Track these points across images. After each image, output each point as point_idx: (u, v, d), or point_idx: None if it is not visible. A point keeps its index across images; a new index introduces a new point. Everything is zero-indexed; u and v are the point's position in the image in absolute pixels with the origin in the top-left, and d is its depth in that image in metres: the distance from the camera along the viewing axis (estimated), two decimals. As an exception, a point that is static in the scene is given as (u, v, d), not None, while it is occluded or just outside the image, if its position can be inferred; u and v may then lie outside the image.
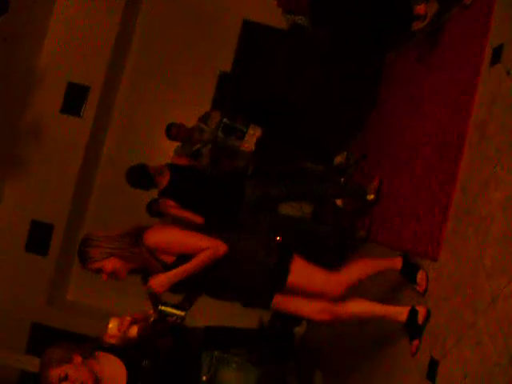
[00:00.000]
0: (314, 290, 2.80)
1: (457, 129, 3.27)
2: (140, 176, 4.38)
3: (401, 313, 2.90)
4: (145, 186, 4.41)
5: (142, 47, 6.30)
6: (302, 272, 2.77)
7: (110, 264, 2.55)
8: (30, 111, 5.53)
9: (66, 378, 2.17)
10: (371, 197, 4.38)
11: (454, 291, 2.75)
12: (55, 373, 2.17)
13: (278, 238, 2.88)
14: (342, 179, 5.47)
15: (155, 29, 6.32)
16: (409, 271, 3.14)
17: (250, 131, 5.18)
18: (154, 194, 4.49)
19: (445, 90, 3.63)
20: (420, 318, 2.83)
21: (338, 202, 5.31)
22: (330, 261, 5.08)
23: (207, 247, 2.58)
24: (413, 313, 2.85)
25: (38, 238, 5.49)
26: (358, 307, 2.94)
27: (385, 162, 4.53)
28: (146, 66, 6.25)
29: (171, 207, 4.35)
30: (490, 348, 2.28)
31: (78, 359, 2.23)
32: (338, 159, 5.53)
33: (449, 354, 2.48)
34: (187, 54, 6.22)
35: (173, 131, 5.21)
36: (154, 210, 5.16)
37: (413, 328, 2.86)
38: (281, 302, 2.81)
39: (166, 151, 5.70)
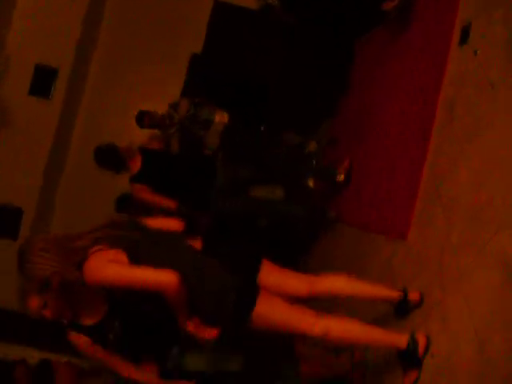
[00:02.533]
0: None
1: (426, 109, 3.30)
2: (109, 156, 4.30)
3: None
4: (114, 167, 4.33)
5: (111, 28, 6.17)
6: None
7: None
8: (-2, 93, 5.42)
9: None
10: (341, 177, 4.41)
11: (422, 269, 2.79)
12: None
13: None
14: (314, 162, 5.49)
15: (125, 10, 6.19)
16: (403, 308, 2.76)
17: (217, 118, 5.14)
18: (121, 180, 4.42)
19: (414, 71, 3.65)
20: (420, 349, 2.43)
21: (310, 182, 5.34)
22: (302, 242, 5.16)
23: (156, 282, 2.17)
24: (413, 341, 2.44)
25: (7, 221, 5.42)
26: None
27: (355, 143, 4.55)
28: (116, 48, 6.13)
29: (144, 191, 4.31)
30: (456, 325, 2.33)
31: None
32: (309, 148, 5.56)
33: (417, 332, 2.51)
34: (158, 36, 6.12)
35: (140, 122, 5.14)
36: (123, 206, 5.14)
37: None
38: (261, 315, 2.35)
39: (137, 134, 5.64)
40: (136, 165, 4.30)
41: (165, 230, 2.54)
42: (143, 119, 5.11)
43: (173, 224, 2.62)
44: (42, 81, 5.50)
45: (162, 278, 2.14)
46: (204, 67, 6.01)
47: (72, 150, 6.07)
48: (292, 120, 5.88)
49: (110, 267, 2.16)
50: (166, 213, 4.57)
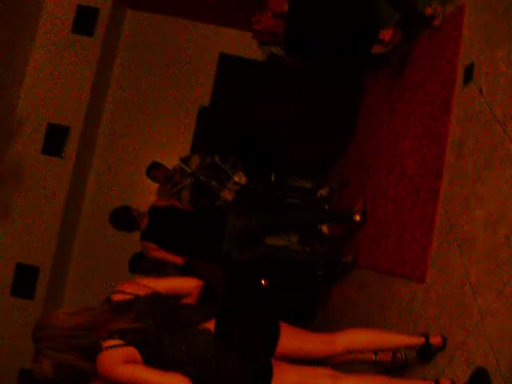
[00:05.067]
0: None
1: (435, 148, 3.30)
2: (123, 218, 4.34)
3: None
4: (128, 228, 4.37)
5: (120, 86, 6.34)
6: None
7: None
8: (11, 153, 5.51)
9: None
10: (357, 218, 4.39)
11: (442, 311, 2.74)
12: None
13: (263, 282, 2.75)
14: (326, 206, 5.49)
15: (134, 67, 6.37)
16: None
17: (236, 178, 5.20)
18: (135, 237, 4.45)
19: (421, 112, 3.67)
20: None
21: (324, 229, 5.32)
22: (319, 289, 5.11)
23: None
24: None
25: (24, 281, 5.42)
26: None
27: (367, 185, 4.55)
28: (126, 104, 6.28)
29: (152, 250, 4.30)
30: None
31: None
32: (321, 192, 5.56)
33: (442, 376, 2.44)
34: (166, 91, 6.27)
35: (151, 174, 5.21)
36: (136, 267, 5.16)
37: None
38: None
39: (148, 189, 5.70)
40: (144, 222, 4.32)
41: (177, 293, 2.53)
42: (149, 173, 5.16)
43: (188, 284, 2.58)
44: (54, 140, 5.60)
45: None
46: (212, 119, 6.09)
47: (85, 206, 6.13)
48: (302, 165, 5.92)
49: (123, 369, 2.16)
50: (181, 269, 4.57)
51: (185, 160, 5.29)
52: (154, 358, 2.23)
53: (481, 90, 2.79)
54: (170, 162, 5.35)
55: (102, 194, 6.02)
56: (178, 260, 4.32)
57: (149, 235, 4.28)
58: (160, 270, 5.15)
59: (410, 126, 3.83)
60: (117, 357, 2.17)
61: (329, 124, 5.53)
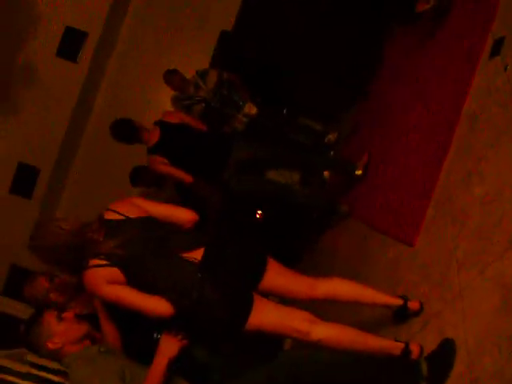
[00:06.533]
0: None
1: (449, 115, 3.27)
2: (124, 128, 4.36)
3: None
4: (127, 139, 4.39)
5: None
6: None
7: None
8: (26, 51, 5.44)
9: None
10: (359, 172, 4.40)
11: (424, 278, 2.80)
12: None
13: (260, 213, 2.78)
14: (332, 152, 5.48)
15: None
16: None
17: (246, 109, 5.15)
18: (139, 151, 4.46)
19: (442, 76, 3.61)
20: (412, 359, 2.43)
21: (326, 174, 5.34)
22: (310, 232, 5.18)
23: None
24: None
25: (24, 180, 5.49)
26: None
27: (375, 139, 4.53)
28: (148, 18, 6.12)
29: (161, 164, 4.34)
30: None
31: None
32: (330, 137, 5.52)
33: (412, 340, 2.53)
34: (190, 9, 6.11)
35: (167, 77, 5.15)
36: (137, 179, 5.19)
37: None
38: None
39: (160, 104, 5.65)
40: (154, 136, 4.33)
41: (171, 221, 2.52)
42: (167, 75, 5.10)
43: (183, 215, 2.58)
44: (71, 43, 5.52)
45: (157, 310, 2.25)
46: (233, 45, 5.97)
47: (94, 115, 6.12)
48: (316, 105, 5.86)
49: (107, 289, 2.26)
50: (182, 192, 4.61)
51: (201, 74, 5.21)
52: (138, 282, 2.30)
53: (506, 67, 2.73)
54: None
55: (111, 105, 5.98)
56: (184, 177, 4.37)
57: (160, 149, 4.31)
58: (160, 192, 5.21)
59: (428, 88, 3.78)
60: (101, 276, 2.26)
61: (349, 68, 5.45)
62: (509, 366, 1.90)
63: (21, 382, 2.45)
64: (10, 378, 2.44)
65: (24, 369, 2.48)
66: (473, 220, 2.56)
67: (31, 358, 2.51)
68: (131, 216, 2.41)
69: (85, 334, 2.44)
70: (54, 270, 2.51)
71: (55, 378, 2.48)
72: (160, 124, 4.42)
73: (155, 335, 2.34)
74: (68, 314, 2.45)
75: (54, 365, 2.46)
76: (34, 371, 2.48)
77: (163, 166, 4.34)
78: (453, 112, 3.21)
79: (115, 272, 2.26)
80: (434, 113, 3.52)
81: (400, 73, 4.57)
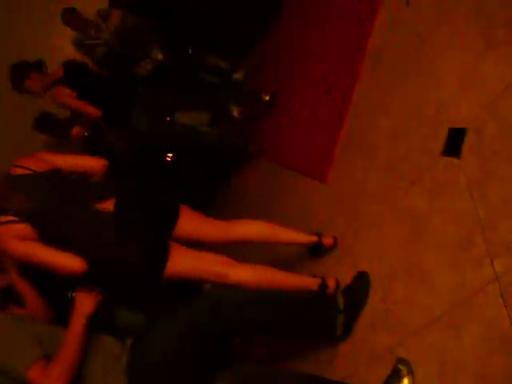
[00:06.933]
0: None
1: (354, 52, 3.29)
2: (16, 71, 4.17)
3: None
4: (21, 76, 4.19)
5: None
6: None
7: None
8: None
9: None
10: (266, 97, 4.39)
11: (337, 214, 2.86)
12: None
13: (170, 156, 2.73)
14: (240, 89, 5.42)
15: None
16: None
17: (153, 55, 4.94)
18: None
19: (346, 13, 3.61)
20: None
21: (235, 112, 5.28)
22: (222, 173, 5.16)
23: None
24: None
25: None
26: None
27: (282, 76, 4.50)
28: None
29: (68, 96, 4.19)
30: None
31: None
32: (237, 76, 5.44)
33: (328, 274, 2.59)
34: None
35: (66, 16, 4.83)
36: (43, 126, 4.90)
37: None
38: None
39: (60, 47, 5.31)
40: (59, 72, 4.21)
41: (81, 171, 2.44)
42: (64, 15, 4.79)
43: (92, 162, 2.50)
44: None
45: (69, 265, 2.17)
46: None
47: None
48: (222, 43, 5.73)
49: (17, 245, 2.16)
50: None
51: (104, 15, 4.92)
52: (52, 237, 2.21)
53: (407, 2, 2.75)
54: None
55: (9, 44, 5.53)
56: (91, 111, 4.25)
57: (65, 83, 4.18)
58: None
59: (334, 24, 3.78)
60: (10, 233, 2.15)
61: (254, 3, 5.35)
62: (418, 291, 2.00)
63: None
64: None
65: None
66: (382, 153, 2.61)
67: None
68: (39, 170, 2.30)
69: None
70: None
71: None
72: (63, 64, 4.25)
73: (69, 294, 2.26)
74: None
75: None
76: None
77: (71, 99, 4.20)
78: (358, 47, 3.23)
79: (26, 228, 2.16)
80: (341, 49, 3.53)
81: (305, 8, 4.53)
